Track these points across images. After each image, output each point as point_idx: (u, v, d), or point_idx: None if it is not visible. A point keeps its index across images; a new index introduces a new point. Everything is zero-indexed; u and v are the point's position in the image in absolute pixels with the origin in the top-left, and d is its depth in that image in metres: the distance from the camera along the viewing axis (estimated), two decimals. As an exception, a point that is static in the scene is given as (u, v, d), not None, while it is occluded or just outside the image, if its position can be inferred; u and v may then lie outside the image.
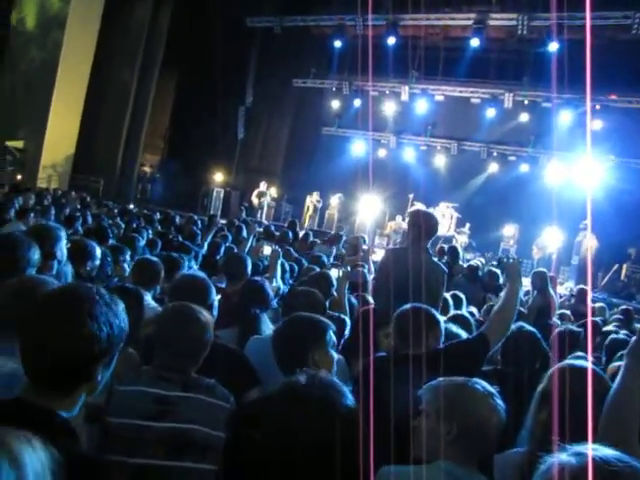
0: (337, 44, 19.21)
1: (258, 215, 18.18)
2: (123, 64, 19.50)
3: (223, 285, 4.28)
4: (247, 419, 2.01)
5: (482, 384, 2.02)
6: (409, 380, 2.37)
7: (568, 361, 2.38)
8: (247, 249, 6.09)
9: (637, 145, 16.47)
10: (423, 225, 4.31)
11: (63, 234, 3.42)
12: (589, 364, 2.33)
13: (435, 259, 4.51)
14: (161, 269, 3.85)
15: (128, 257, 4.60)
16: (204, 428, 2.06)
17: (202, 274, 3.14)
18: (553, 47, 15.55)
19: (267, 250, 5.11)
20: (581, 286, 8.66)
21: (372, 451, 1.44)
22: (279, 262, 4.78)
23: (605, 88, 15.47)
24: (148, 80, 20.00)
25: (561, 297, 8.37)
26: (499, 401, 1.99)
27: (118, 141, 19.71)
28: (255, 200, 18.75)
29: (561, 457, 1.17)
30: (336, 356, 2.47)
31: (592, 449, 1.17)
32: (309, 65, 21.11)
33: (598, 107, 16.22)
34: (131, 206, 12.80)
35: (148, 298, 3.63)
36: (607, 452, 1.16)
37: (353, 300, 4.49)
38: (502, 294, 3.03)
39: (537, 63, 16.39)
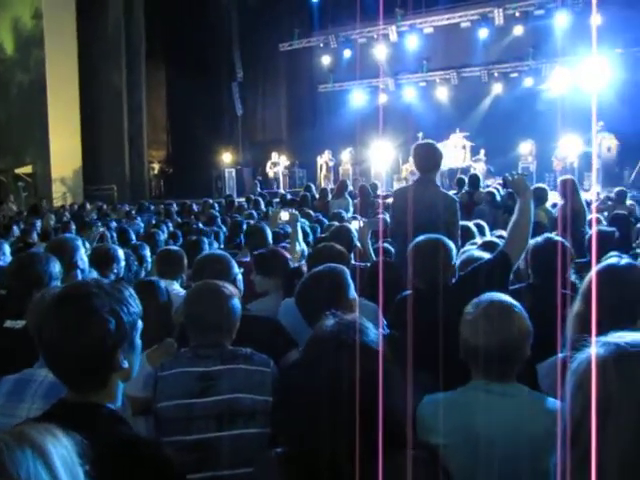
0: (315, -2, 18.78)
1: (274, 186, 18.18)
2: (109, 67, 19.44)
3: (247, 259, 4.31)
4: (283, 378, 2.09)
5: (487, 299, 2.02)
6: (439, 311, 2.39)
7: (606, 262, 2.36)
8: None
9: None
10: (424, 158, 4.30)
11: (80, 243, 3.50)
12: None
13: (445, 191, 4.47)
14: (182, 256, 3.88)
15: (148, 252, 4.67)
16: (249, 395, 2.13)
17: (220, 251, 3.17)
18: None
19: (285, 216, 5.09)
20: (620, 188, 8.59)
21: (406, 384, 1.47)
22: (299, 225, 4.80)
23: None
24: (137, 77, 19.93)
25: (588, 203, 8.20)
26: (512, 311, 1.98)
27: (121, 144, 19.82)
28: (270, 172, 18.73)
29: (589, 351, 1.15)
30: (359, 299, 2.50)
31: (619, 337, 1.13)
32: (291, 26, 20.71)
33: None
34: (147, 203, 12.89)
35: (176, 287, 3.68)
36: (637, 337, 1.14)
37: (389, 247, 4.48)
38: (515, 209, 3.03)
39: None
